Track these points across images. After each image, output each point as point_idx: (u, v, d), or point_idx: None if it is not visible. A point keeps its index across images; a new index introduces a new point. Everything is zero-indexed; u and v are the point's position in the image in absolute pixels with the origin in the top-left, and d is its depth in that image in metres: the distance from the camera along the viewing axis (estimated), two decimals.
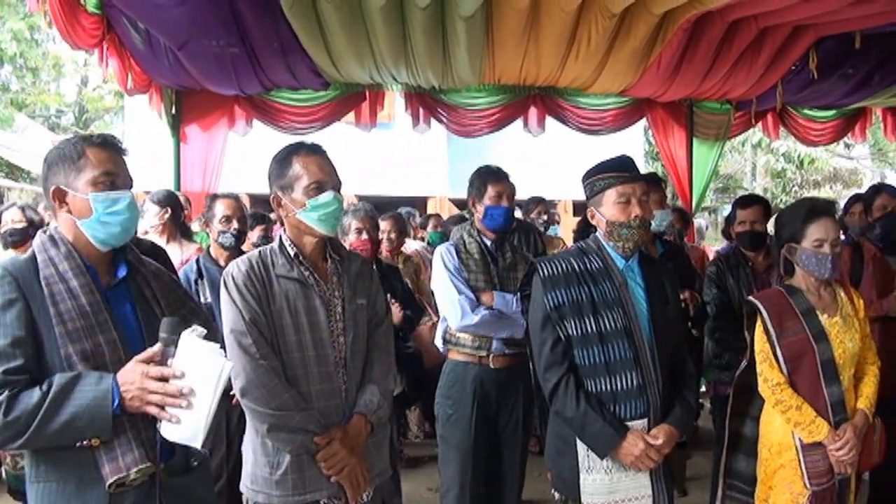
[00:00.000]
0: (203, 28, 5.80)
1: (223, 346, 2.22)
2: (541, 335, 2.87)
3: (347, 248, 4.25)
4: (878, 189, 4.65)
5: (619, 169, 2.89)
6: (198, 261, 4.29)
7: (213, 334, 2.16)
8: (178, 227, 5.18)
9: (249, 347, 2.48)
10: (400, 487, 4.63)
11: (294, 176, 2.61)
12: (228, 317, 2.54)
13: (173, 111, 7.32)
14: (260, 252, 2.68)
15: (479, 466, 3.86)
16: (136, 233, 2.90)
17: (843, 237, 3.71)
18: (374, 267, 4.21)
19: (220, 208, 4.29)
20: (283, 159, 2.66)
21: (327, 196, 2.59)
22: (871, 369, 3.12)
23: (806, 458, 2.95)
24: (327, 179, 2.62)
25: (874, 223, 4.38)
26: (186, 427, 2.00)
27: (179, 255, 4.87)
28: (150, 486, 2.11)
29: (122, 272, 2.24)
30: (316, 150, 2.68)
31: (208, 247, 4.45)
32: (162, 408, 2.00)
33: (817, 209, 3.08)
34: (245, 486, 2.64)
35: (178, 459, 2.23)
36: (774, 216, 3.35)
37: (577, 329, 2.80)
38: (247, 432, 2.66)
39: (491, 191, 3.89)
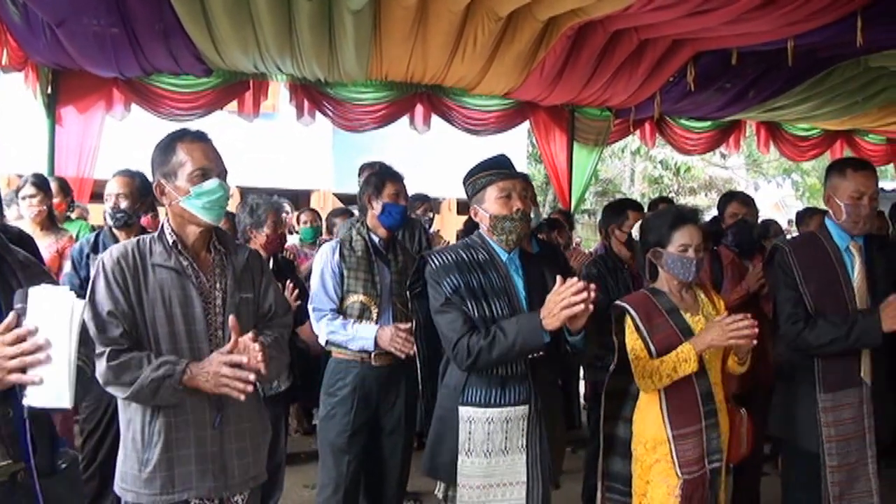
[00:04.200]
0: (83, 5, 5.57)
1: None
2: (447, 316, 2.90)
3: (263, 240, 4.23)
4: (729, 197, 4.88)
5: (499, 166, 3.02)
6: (97, 234, 4.19)
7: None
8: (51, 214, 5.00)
9: (105, 339, 2.41)
10: (283, 482, 4.58)
11: (178, 163, 2.54)
12: (91, 305, 2.45)
13: (49, 91, 6.98)
14: (139, 240, 2.60)
15: (355, 464, 3.88)
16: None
17: None
18: (272, 261, 4.20)
19: (109, 186, 4.19)
20: (167, 146, 2.58)
21: (212, 183, 2.53)
22: None
23: (677, 446, 3.07)
24: (212, 166, 2.56)
25: (727, 230, 4.61)
26: (50, 386, 1.88)
27: (54, 243, 4.71)
28: (11, 487, 2.00)
29: None
30: (201, 137, 2.62)
31: (111, 224, 4.32)
32: (24, 371, 1.88)
33: (683, 216, 3.23)
34: (117, 484, 2.55)
35: (43, 459, 2.10)
36: (640, 222, 3.49)
37: (474, 312, 2.88)
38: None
39: (390, 188, 3.96)
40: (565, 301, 2.63)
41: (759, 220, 7.24)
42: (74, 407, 3.90)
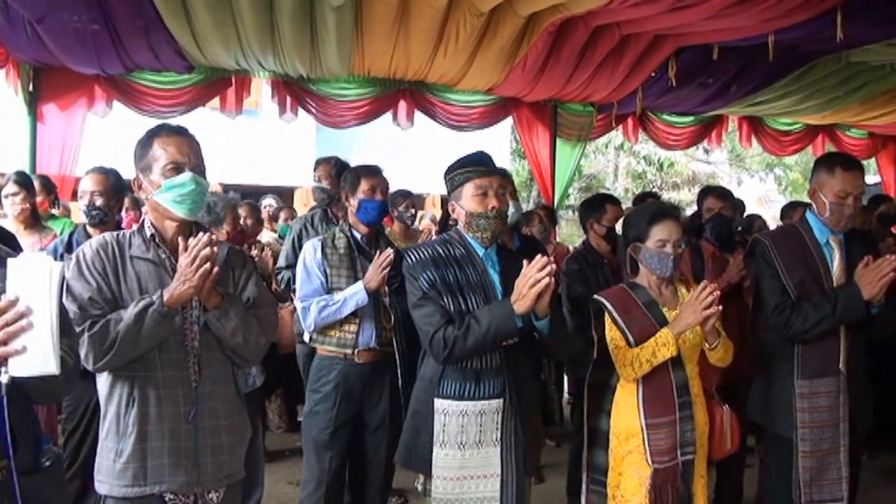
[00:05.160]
0: (64, 2, 5.53)
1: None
2: (424, 310, 2.91)
3: (224, 237, 4.20)
4: (706, 192, 4.91)
5: (477, 163, 3.01)
6: (71, 233, 4.17)
7: (62, 315, 2.05)
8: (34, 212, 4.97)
9: (86, 316, 2.41)
10: (263, 479, 4.56)
11: (153, 157, 2.55)
12: (71, 293, 2.45)
13: (30, 88, 6.93)
14: (119, 234, 2.61)
15: (338, 461, 3.88)
16: None
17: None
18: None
19: (83, 184, 4.16)
20: (145, 141, 2.59)
21: (183, 177, 2.52)
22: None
23: (650, 436, 3.09)
24: (185, 160, 2.55)
25: (705, 224, 4.64)
26: (35, 353, 1.84)
27: (38, 242, 4.68)
28: None
29: None
30: (178, 132, 2.61)
31: (85, 223, 4.29)
32: (5, 343, 1.82)
33: (662, 212, 3.25)
34: (95, 477, 2.55)
35: (26, 457, 2.09)
36: (622, 218, 3.51)
37: (451, 306, 2.89)
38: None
39: (365, 184, 3.94)
40: (531, 279, 2.66)
41: (745, 216, 7.34)
42: (57, 405, 3.89)
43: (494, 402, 2.91)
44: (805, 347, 3.38)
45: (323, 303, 3.80)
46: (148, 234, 2.59)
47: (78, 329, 2.37)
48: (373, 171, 4.04)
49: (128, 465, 2.46)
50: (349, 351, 3.83)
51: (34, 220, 4.91)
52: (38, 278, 1.86)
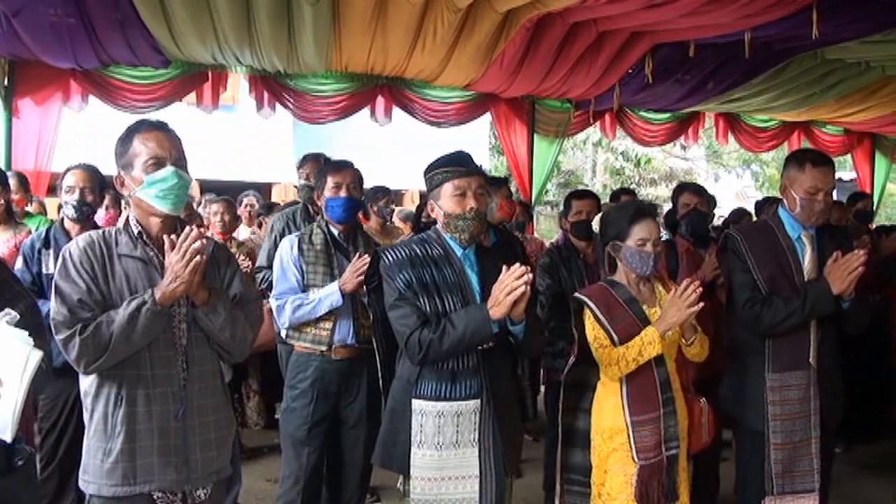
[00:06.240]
0: None
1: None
2: (400, 311, 2.90)
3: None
4: (682, 188, 4.94)
5: (456, 164, 2.99)
6: (48, 229, 4.13)
7: (34, 318, 2.06)
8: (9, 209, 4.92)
9: (75, 320, 2.38)
10: (240, 474, 4.55)
11: (134, 153, 2.53)
12: (59, 294, 2.43)
13: (6, 83, 6.84)
14: (105, 231, 2.59)
15: (315, 457, 3.88)
16: None
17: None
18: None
19: (67, 179, 4.13)
20: (125, 138, 2.58)
21: (165, 172, 2.51)
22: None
23: (635, 433, 3.12)
24: (166, 155, 2.54)
25: (680, 220, 4.68)
26: None
27: (12, 238, 4.64)
28: None
29: None
30: (158, 127, 2.60)
31: (62, 218, 4.25)
32: None
33: (642, 211, 3.27)
34: (80, 477, 2.53)
35: None
36: (600, 215, 3.53)
37: (426, 307, 2.88)
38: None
39: (330, 182, 3.91)
40: (508, 287, 2.67)
41: (733, 210, 7.41)
42: (34, 405, 3.87)
43: (471, 402, 2.91)
44: (775, 341, 3.41)
45: (298, 301, 3.79)
46: (134, 231, 2.57)
47: (68, 332, 2.36)
48: (338, 167, 3.99)
49: (116, 464, 2.45)
50: (324, 348, 3.82)
51: (8, 216, 4.87)
52: (15, 359, 1.93)
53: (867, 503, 5.12)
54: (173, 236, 2.44)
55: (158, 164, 2.52)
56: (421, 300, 2.89)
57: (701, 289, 3.04)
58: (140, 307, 2.38)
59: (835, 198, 3.67)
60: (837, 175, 4.47)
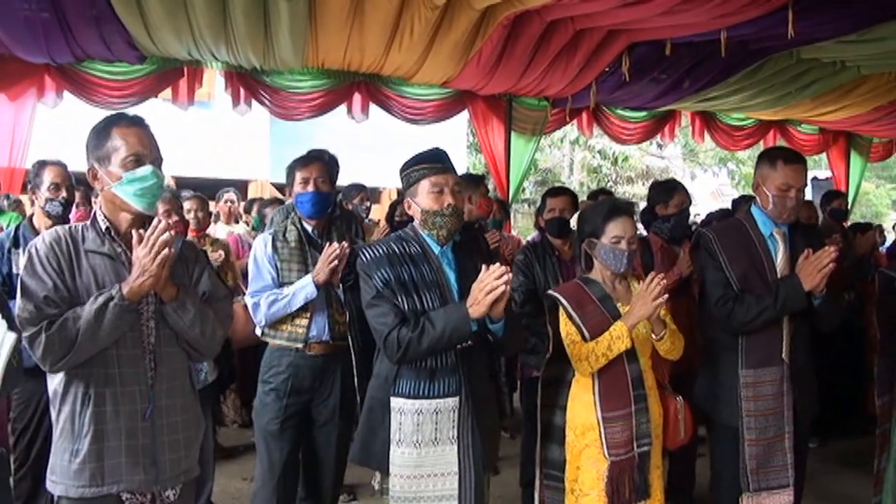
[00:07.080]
0: None
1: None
2: (378, 310, 2.89)
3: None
4: (675, 188, 4.96)
5: (433, 161, 3.00)
6: (17, 228, 4.08)
7: (5, 312, 2.03)
8: None
9: (40, 316, 2.36)
10: (213, 473, 4.53)
11: (112, 147, 2.50)
12: (25, 291, 2.40)
13: None
14: (71, 227, 2.56)
15: (288, 453, 3.87)
16: None
17: None
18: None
19: (49, 176, 4.08)
20: (102, 130, 2.54)
21: (145, 170, 2.49)
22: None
23: (606, 429, 3.15)
24: (146, 153, 2.52)
25: (668, 218, 4.69)
26: None
27: None
28: None
29: None
30: (137, 122, 2.58)
31: (31, 215, 4.21)
32: None
33: (617, 208, 3.29)
34: (48, 478, 2.51)
35: None
36: (577, 213, 3.55)
37: (405, 305, 2.88)
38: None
39: (298, 177, 3.88)
40: (488, 286, 2.67)
41: (717, 209, 7.44)
42: (8, 406, 3.84)
43: (450, 400, 2.92)
44: (749, 338, 3.44)
45: (273, 297, 3.77)
46: (102, 227, 2.54)
47: (34, 329, 2.34)
48: (305, 162, 3.94)
49: (84, 465, 2.43)
50: (300, 345, 3.81)
51: None
52: None
53: (842, 498, 5.16)
54: (141, 230, 2.42)
55: (138, 161, 2.50)
56: (399, 298, 2.88)
57: (676, 284, 3.06)
58: (107, 302, 2.36)
59: (808, 196, 3.71)
60: (813, 174, 4.52)
